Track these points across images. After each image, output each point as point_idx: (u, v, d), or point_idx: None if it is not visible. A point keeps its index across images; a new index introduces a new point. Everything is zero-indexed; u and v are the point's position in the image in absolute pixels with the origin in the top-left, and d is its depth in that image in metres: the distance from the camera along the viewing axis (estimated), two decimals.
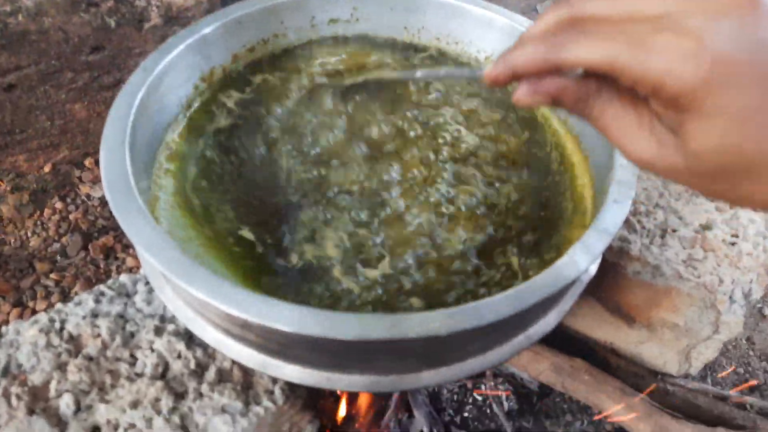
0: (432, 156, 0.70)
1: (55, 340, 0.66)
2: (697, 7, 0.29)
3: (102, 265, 1.14)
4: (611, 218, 0.53)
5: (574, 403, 0.91)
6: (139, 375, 0.63)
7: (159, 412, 0.60)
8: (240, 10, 0.76)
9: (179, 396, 0.62)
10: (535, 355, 0.77)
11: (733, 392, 0.83)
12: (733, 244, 0.71)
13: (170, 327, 0.67)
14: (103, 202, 1.22)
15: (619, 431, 0.87)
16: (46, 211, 1.21)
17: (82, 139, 1.25)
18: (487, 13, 0.79)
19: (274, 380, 0.63)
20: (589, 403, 0.75)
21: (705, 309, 0.68)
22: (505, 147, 0.72)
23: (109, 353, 0.65)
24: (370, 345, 0.47)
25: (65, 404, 0.61)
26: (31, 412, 0.60)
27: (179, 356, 0.64)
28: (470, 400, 0.84)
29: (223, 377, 0.63)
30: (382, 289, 0.57)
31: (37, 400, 0.61)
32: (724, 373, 1.04)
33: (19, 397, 0.60)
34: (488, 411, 0.83)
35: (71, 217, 1.21)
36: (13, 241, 1.16)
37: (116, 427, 0.59)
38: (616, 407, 0.72)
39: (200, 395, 0.62)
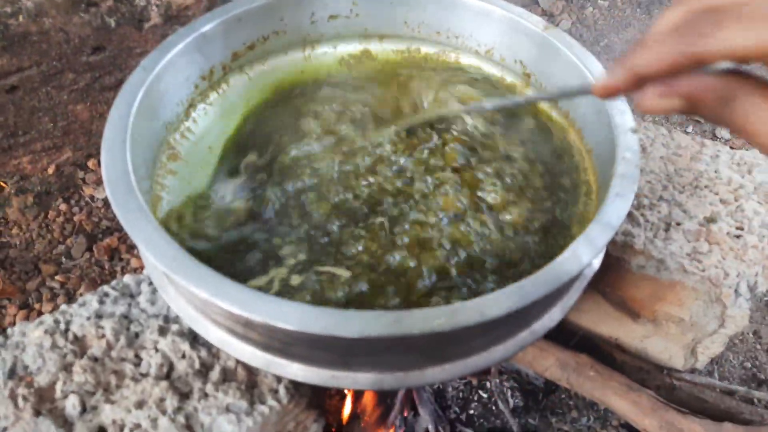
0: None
1: (61, 341, 0.67)
2: None
3: (107, 267, 1.14)
4: (614, 212, 0.53)
5: (580, 399, 0.91)
6: (144, 375, 0.63)
7: (164, 412, 0.60)
8: (239, 7, 0.76)
9: (184, 396, 0.62)
10: (540, 352, 0.77)
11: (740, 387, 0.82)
12: (738, 236, 0.71)
13: (174, 327, 0.67)
14: (107, 203, 1.23)
15: (626, 427, 0.87)
16: (51, 213, 1.21)
17: (84, 140, 1.26)
18: (486, 6, 0.78)
19: (279, 379, 0.63)
20: (594, 399, 0.74)
21: (710, 303, 0.68)
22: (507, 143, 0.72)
23: (113, 354, 0.65)
24: (374, 342, 0.47)
25: (71, 405, 0.61)
26: (37, 413, 0.60)
27: (184, 356, 0.64)
28: (475, 398, 0.84)
29: (227, 377, 0.63)
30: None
31: (43, 401, 0.62)
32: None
33: (25, 399, 0.61)
34: (494, 408, 0.83)
35: (75, 218, 1.21)
36: (18, 243, 1.16)
37: (122, 427, 0.59)
38: (622, 403, 0.71)
39: (205, 395, 0.62)
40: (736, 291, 0.67)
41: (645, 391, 0.72)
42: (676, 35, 0.30)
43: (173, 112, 0.72)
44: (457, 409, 0.84)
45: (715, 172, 0.78)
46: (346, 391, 0.81)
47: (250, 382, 0.63)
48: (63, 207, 1.22)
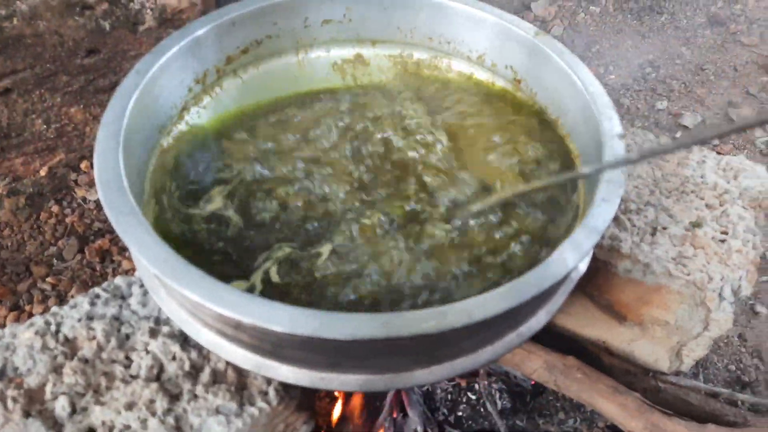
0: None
1: (51, 343, 0.67)
2: None
3: (98, 268, 1.14)
4: (600, 216, 0.54)
5: (567, 401, 0.92)
6: (134, 377, 0.64)
7: (154, 414, 0.60)
8: (233, 12, 0.76)
9: (174, 397, 0.62)
10: (528, 354, 0.78)
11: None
12: (722, 241, 0.72)
13: (165, 329, 0.67)
14: (99, 205, 1.23)
15: (612, 429, 0.88)
16: (43, 215, 1.21)
17: (78, 142, 1.26)
18: (478, 12, 0.79)
19: (269, 381, 0.64)
20: (581, 401, 0.75)
21: (695, 306, 0.69)
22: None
23: (104, 355, 0.65)
24: (363, 344, 0.48)
25: (61, 406, 0.61)
26: (27, 414, 0.60)
27: (174, 358, 0.65)
28: (464, 399, 0.84)
29: (217, 378, 0.64)
30: None
31: (33, 403, 0.62)
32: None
33: (15, 400, 0.61)
34: (482, 410, 0.84)
35: (67, 220, 1.21)
36: (9, 245, 1.16)
37: (111, 428, 0.60)
38: (608, 405, 0.72)
39: (195, 396, 0.62)
40: (720, 295, 0.68)
41: (631, 393, 0.73)
42: None
43: (167, 115, 0.72)
44: (445, 410, 0.85)
45: (701, 177, 0.79)
46: (335, 393, 0.82)
47: (240, 384, 0.64)
48: (55, 209, 1.22)
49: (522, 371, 0.79)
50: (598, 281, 0.74)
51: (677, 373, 0.77)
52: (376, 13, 0.85)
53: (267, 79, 0.83)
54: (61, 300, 1.10)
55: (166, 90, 0.71)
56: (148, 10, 1.10)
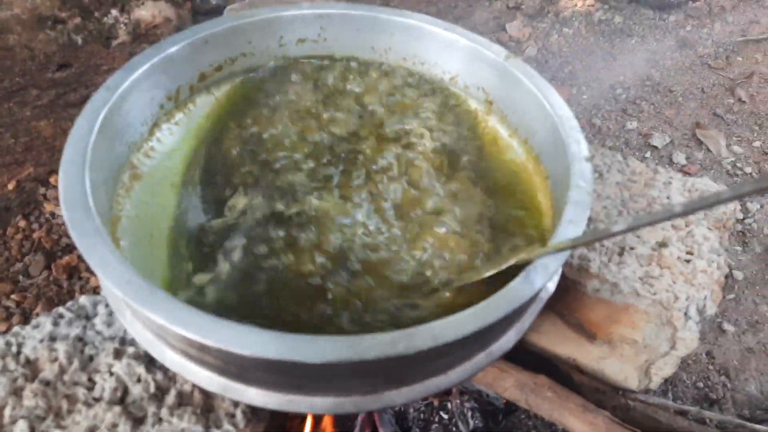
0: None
1: (12, 365, 0.65)
2: None
3: (65, 285, 1.12)
4: (566, 238, 0.54)
5: (539, 420, 0.92)
6: (97, 400, 0.62)
7: None
8: (207, 29, 0.76)
9: (138, 421, 0.60)
10: (500, 372, 0.78)
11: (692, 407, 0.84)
12: (688, 261, 0.73)
13: (130, 350, 0.66)
14: None
15: None
16: (9, 230, 1.19)
17: (47, 156, 1.23)
18: (451, 35, 0.80)
19: (236, 403, 0.63)
20: (552, 420, 0.76)
21: (661, 325, 0.70)
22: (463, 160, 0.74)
23: (66, 377, 0.64)
24: (329, 367, 0.47)
25: (20, 431, 0.59)
26: None
27: (139, 380, 0.63)
28: (436, 419, 0.84)
29: (183, 401, 0.62)
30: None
31: None
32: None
33: None
34: (454, 429, 0.84)
35: (35, 235, 1.18)
36: None
37: None
38: (578, 423, 0.72)
39: (159, 420, 0.61)
40: (686, 314, 0.70)
41: (601, 412, 0.73)
42: None
43: (137, 132, 0.72)
44: (417, 429, 0.84)
45: (668, 198, 0.81)
46: (306, 414, 0.81)
47: (207, 406, 0.62)
48: (22, 223, 1.20)
49: (494, 390, 0.79)
50: (567, 300, 0.75)
51: (646, 391, 0.77)
52: (350, 33, 0.86)
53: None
54: (26, 318, 1.07)
55: (137, 107, 0.70)
56: (122, 25, 1.10)
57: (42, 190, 1.25)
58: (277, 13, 0.82)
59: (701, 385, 1.06)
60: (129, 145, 0.70)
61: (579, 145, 0.66)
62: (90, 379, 0.63)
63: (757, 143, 1.65)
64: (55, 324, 0.68)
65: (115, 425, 0.59)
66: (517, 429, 0.90)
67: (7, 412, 0.60)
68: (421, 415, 0.84)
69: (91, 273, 1.14)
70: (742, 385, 1.07)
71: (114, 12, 1.08)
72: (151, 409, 0.61)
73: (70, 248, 1.17)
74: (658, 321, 0.69)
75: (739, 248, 1.36)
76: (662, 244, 0.75)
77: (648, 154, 1.58)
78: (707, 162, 1.57)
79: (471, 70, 0.82)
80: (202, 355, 0.52)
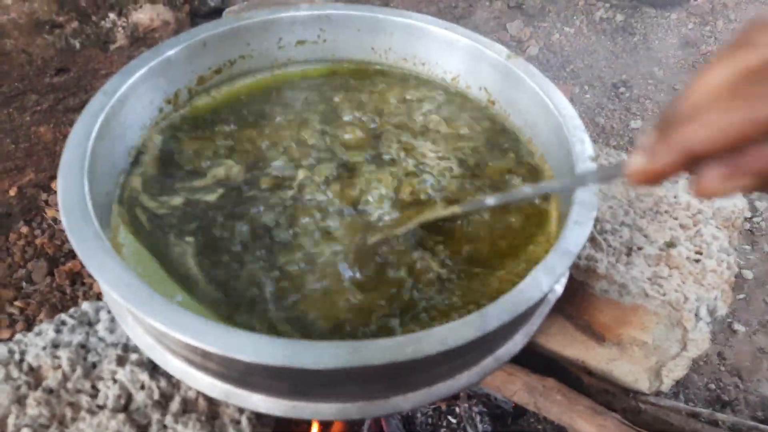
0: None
1: (15, 373, 0.64)
2: None
3: (68, 291, 1.11)
4: (572, 239, 0.53)
5: (548, 423, 0.91)
6: (101, 407, 0.61)
7: None
8: (205, 32, 0.75)
9: (142, 428, 0.60)
10: (508, 376, 0.77)
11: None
12: (697, 261, 0.72)
13: (133, 356, 0.65)
14: None
15: None
16: (12, 236, 1.18)
17: (48, 161, 1.23)
18: (452, 35, 0.79)
19: (241, 409, 0.62)
20: (561, 423, 0.75)
21: (672, 327, 0.69)
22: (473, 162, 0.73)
23: (69, 385, 0.63)
24: (333, 373, 0.46)
25: None
26: None
27: (142, 387, 0.62)
28: (444, 423, 0.83)
29: (187, 407, 0.61)
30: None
31: None
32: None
33: None
34: None
35: (37, 241, 1.18)
36: None
37: None
38: (588, 427, 0.71)
39: (164, 427, 0.60)
40: (696, 315, 0.68)
41: (611, 414, 0.72)
42: (736, 101, 0.24)
43: (137, 136, 0.71)
44: None
45: (675, 197, 0.80)
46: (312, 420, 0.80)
47: (211, 413, 0.61)
48: (24, 230, 1.19)
49: (502, 393, 0.78)
50: (575, 302, 0.74)
51: (657, 394, 0.76)
52: (350, 34, 0.85)
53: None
54: (29, 325, 1.06)
55: (135, 111, 0.70)
56: (120, 29, 1.09)
57: (43, 195, 1.24)
58: (275, 15, 0.81)
59: (713, 386, 1.04)
60: (128, 149, 0.69)
61: (583, 145, 0.65)
62: (93, 387, 0.63)
63: None
64: (58, 331, 0.68)
65: None
66: None
67: (10, 420, 0.60)
68: (429, 420, 0.83)
69: (94, 279, 1.13)
70: (754, 386, 1.06)
71: (112, 16, 1.08)
72: (156, 416, 0.60)
73: (73, 254, 1.17)
74: (668, 322, 0.68)
75: (747, 247, 1.35)
76: (670, 244, 0.73)
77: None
78: None
79: (472, 70, 0.81)
80: (204, 360, 0.51)
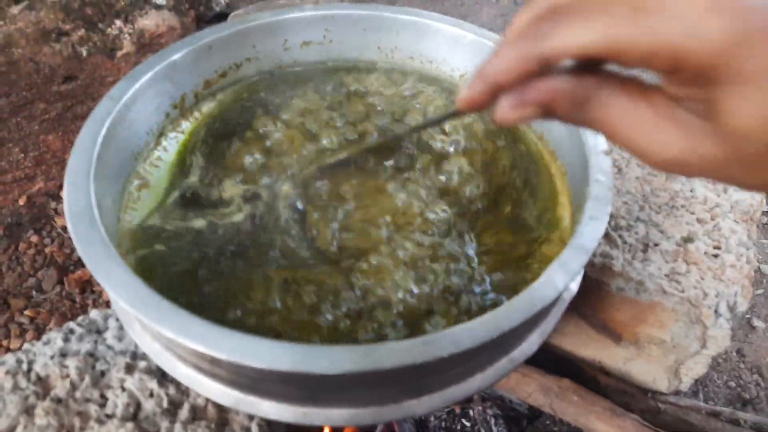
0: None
1: (22, 383, 0.64)
2: None
3: (78, 300, 1.11)
4: (588, 235, 0.52)
5: (565, 426, 0.89)
6: (110, 416, 0.60)
7: None
8: (210, 35, 0.75)
9: None
10: (522, 377, 0.75)
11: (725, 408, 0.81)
12: (715, 256, 0.70)
13: (142, 364, 0.64)
14: None
15: None
16: (21, 245, 1.18)
17: (57, 170, 1.23)
18: (458, 31, 0.78)
19: (251, 416, 0.61)
20: (578, 424, 0.73)
21: (691, 324, 0.67)
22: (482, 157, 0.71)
23: (78, 394, 0.62)
24: (344, 377, 0.45)
25: None
26: None
27: (151, 395, 0.62)
28: (458, 427, 0.82)
29: (197, 415, 0.61)
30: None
31: None
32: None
33: None
34: None
35: (47, 250, 1.18)
36: None
37: None
38: (606, 428, 0.70)
39: None
40: (716, 311, 0.67)
41: (629, 415, 0.70)
42: (521, 39, 0.28)
43: (142, 141, 0.70)
44: None
45: (691, 191, 0.78)
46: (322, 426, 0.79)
47: (221, 420, 0.61)
48: (34, 238, 1.19)
49: (517, 395, 0.77)
50: (591, 300, 0.72)
51: (676, 393, 0.74)
52: (355, 34, 0.84)
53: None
54: (40, 333, 1.06)
55: (142, 116, 0.69)
56: (126, 36, 1.09)
57: (53, 204, 1.25)
58: (280, 17, 0.81)
59: (733, 384, 1.02)
60: (135, 154, 0.69)
61: (596, 138, 0.63)
62: (102, 396, 0.62)
63: None
64: (66, 340, 0.67)
65: None
66: None
67: (19, 431, 0.59)
68: (443, 423, 0.82)
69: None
70: None
71: (118, 23, 1.08)
72: (165, 424, 0.59)
73: (82, 262, 1.17)
74: (687, 319, 0.66)
75: (766, 241, 1.32)
76: (687, 239, 0.72)
77: None
78: None
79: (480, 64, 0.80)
80: (213, 368, 0.50)
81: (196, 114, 0.78)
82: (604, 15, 0.25)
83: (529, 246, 0.62)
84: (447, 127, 0.72)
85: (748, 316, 1.15)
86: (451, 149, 0.71)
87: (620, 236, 0.72)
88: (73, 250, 1.18)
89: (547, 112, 0.29)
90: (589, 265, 0.72)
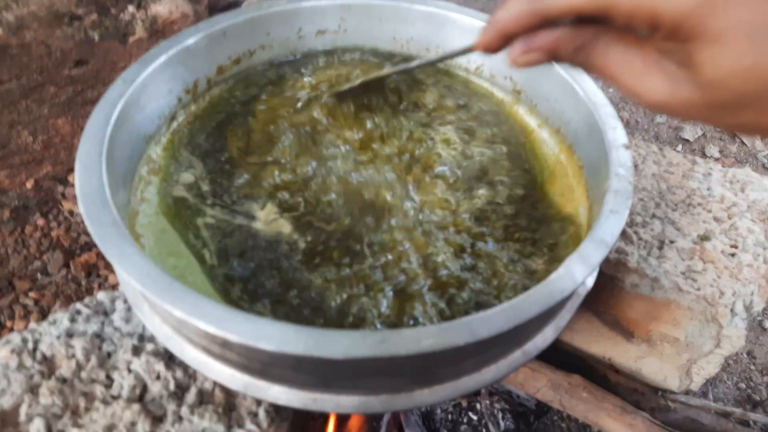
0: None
1: (28, 362, 0.63)
2: None
3: (83, 283, 1.11)
4: (608, 229, 0.51)
5: (573, 422, 0.88)
6: (115, 398, 0.60)
7: None
8: (224, 21, 0.74)
9: (157, 419, 0.58)
10: (532, 372, 0.75)
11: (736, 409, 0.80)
12: (732, 255, 0.69)
13: (149, 346, 0.63)
14: None
15: None
16: (28, 228, 1.18)
17: (65, 154, 1.23)
18: (475, 22, 0.77)
19: (259, 402, 0.60)
20: (588, 421, 0.72)
21: (706, 322, 0.66)
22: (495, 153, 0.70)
23: (83, 375, 0.62)
24: (359, 363, 0.45)
25: (36, 429, 0.57)
26: None
27: (158, 377, 0.61)
28: (465, 420, 0.81)
29: (204, 399, 0.60)
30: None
31: (6, 426, 0.58)
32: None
33: None
34: (483, 431, 0.80)
35: (53, 234, 1.17)
36: None
37: None
38: (616, 425, 0.69)
39: (179, 418, 0.58)
40: (732, 310, 0.66)
41: (640, 413, 0.70)
42: None
43: (154, 125, 0.70)
44: (445, 431, 0.81)
45: (708, 189, 0.77)
46: (329, 414, 0.78)
47: (228, 405, 0.60)
48: (41, 222, 1.19)
49: (525, 390, 0.76)
50: (604, 296, 0.71)
51: (687, 392, 0.73)
52: (371, 23, 0.83)
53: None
54: (44, 315, 1.06)
55: (154, 99, 0.68)
56: (139, 21, 1.08)
57: (60, 188, 1.24)
58: (296, 4, 0.80)
59: (743, 386, 1.01)
60: (146, 138, 0.68)
61: (616, 132, 0.62)
62: (108, 377, 0.61)
63: None
64: (72, 320, 0.67)
65: (133, 424, 0.57)
66: (550, 431, 0.87)
67: (23, 409, 0.59)
68: (449, 416, 0.81)
69: (110, 270, 1.13)
70: None
71: (131, 8, 1.07)
72: (171, 407, 0.59)
73: (89, 246, 1.16)
74: (702, 318, 0.65)
75: None
76: (704, 238, 0.71)
77: (679, 148, 1.53)
78: (742, 155, 1.51)
79: (498, 58, 0.79)
80: (223, 350, 0.50)
81: (208, 98, 0.77)
82: None
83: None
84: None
85: (759, 318, 1.14)
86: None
87: (636, 233, 0.72)
88: (79, 234, 1.18)
89: (552, 56, 0.35)
90: (604, 261, 0.71)
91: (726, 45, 0.26)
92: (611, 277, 0.70)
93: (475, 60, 0.82)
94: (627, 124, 1.62)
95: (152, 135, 0.69)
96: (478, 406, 0.82)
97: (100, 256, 1.14)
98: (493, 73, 0.81)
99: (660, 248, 0.69)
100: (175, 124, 0.73)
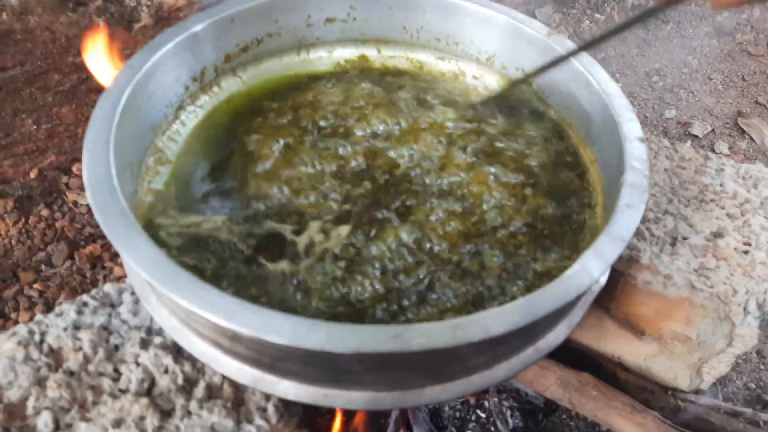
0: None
1: (35, 354, 0.62)
2: None
3: (88, 275, 1.10)
4: (624, 223, 0.50)
5: (582, 420, 0.87)
6: (123, 391, 0.59)
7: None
8: (232, 8, 0.73)
9: (166, 414, 0.58)
10: (541, 370, 0.74)
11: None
12: (745, 252, 0.68)
13: (157, 339, 0.63)
14: (90, 209, 1.18)
15: None
16: (32, 219, 1.17)
17: (69, 143, 1.22)
18: (488, 11, 0.76)
19: (268, 396, 0.59)
20: (597, 420, 0.71)
21: (719, 321, 0.65)
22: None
23: (91, 368, 0.61)
24: (371, 358, 0.44)
25: (43, 423, 0.57)
26: (6, 431, 0.56)
27: (166, 371, 0.60)
28: (473, 417, 0.80)
29: (212, 393, 0.59)
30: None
31: (13, 419, 0.57)
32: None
33: None
34: (492, 429, 0.80)
35: (57, 224, 1.17)
36: None
37: None
38: (626, 424, 0.68)
39: (188, 413, 0.58)
40: (745, 309, 0.65)
41: (650, 412, 0.69)
42: None
43: (161, 114, 0.69)
44: (453, 429, 0.81)
45: (721, 185, 0.76)
46: (337, 410, 0.78)
47: (237, 400, 0.59)
48: (45, 212, 1.18)
49: (534, 388, 0.75)
50: (615, 293, 0.70)
51: (696, 392, 0.73)
52: (381, 13, 0.82)
53: (267, 78, 0.80)
54: (49, 307, 1.05)
55: (161, 87, 0.67)
56: (144, 8, 1.07)
57: (64, 178, 1.23)
58: None
59: (753, 385, 1.00)
60: (153, 127, 0.67)
61: (630, 124, 0.61)
62: (116, 370, 0.61)
63: None
64: (79, 312, 0.66)
65: (142, 418, 0.57)
66: (559, 429, 0.86)
67: (30, 402, 0.58)
68: (457, 414, 0.80)
69: (115, 262, 1.12)
70: None
71: None
72: (180, 401, 0.58)
73: (94, 237, 1.15)
74: (715, 316, 0.65)
75: None
76: (717, 235, 0.70)
77: (689, 144, 1.52)
78: (751, 152, 1.50)
79: (510, 49, 0.78)
80: (233, 344, 0.49)
81: (215, 89, 0.76)
82: None
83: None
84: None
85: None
86: None
87: (648, 229, 0.71)
88: (84, 225, 1.17)
89: None
90: None
91: None
92: (623, 273, 0.69)
93: (486, 50, 0.81)
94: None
95: (159, 124, 0.68)
96: (486, 403, 0.81)
97: (105, 247, 1.14)
98: (504, 64, 0.80)
99: (672, 245, 0.68)
100: (182, 114, 0.72)
